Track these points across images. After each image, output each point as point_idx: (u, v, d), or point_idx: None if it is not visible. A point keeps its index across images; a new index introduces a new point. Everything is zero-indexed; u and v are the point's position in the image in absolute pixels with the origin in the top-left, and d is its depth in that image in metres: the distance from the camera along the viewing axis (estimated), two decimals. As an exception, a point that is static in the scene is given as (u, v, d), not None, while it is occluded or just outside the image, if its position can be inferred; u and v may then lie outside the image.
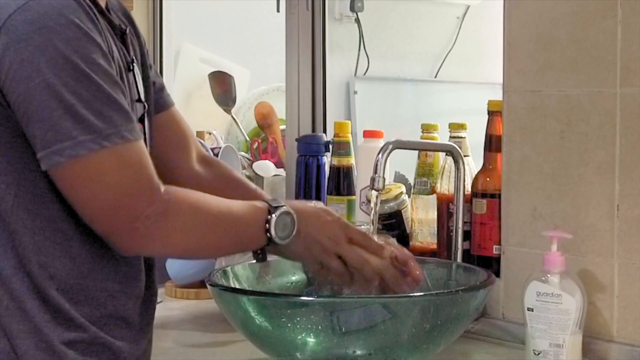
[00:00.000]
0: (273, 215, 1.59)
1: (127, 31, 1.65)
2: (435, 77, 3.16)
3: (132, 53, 1.65)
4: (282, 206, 1.61)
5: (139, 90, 1.64)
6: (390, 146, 1.96)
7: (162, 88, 1.83)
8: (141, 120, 1.64)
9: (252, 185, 1.95)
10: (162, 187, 1.48)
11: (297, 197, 2.56)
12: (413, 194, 2.34)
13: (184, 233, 1.52)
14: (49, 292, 1.47)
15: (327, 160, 2.56)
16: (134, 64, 1.63)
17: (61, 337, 1.48)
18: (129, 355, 1.58)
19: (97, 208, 1.44)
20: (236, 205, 1.60)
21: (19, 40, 1.38)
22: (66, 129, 1.38)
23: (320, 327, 1.67)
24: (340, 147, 2.50)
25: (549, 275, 1.81)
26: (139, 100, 1.63)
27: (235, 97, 3.25)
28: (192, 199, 1.55)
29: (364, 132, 2.54)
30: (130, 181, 1.44)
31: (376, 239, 1.73)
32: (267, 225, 1.59)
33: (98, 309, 1.53)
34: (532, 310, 1.84)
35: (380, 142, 2.43)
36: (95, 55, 1.42)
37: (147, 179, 1.47)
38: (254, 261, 1.68)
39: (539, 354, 1.83)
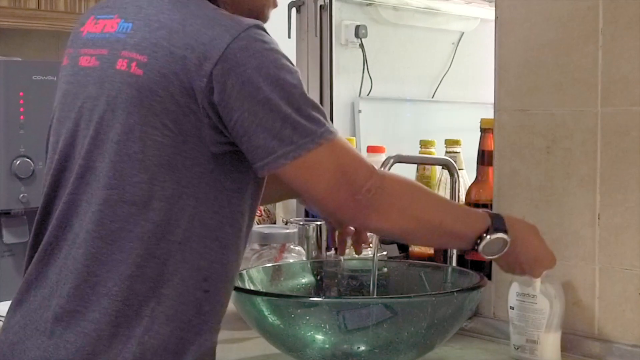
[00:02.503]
0: (488, 236, 1.62)
1: None
2: (433, 97, 3.16)
3: None
4: (501, 231, 1.63)
5: None
6: (392, 160, 1.96)
7: None
8: None
9: None
10: (375, 167, 1.56)
11: (305, 210, 2.56)
12: (412, 204, 2.33)
13: (401, 210, 1.57)
14: (198, 297, 1.50)
15: (334, 173, 2.56)
16: None
17: (192, 346, 1.50)
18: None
19: (322, 190, 1.50)
20: (452, 201, 1.72)
21: (239, 64, 1.44)
22: (288, 136, 1.45)
23: (327, 325, 1.67)
24: (346, 161, 2.50)
25: (532, 278, 1.82)
26: None
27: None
28: (407, 180, 1.64)
29: (368, 147, 2.54)
30: (346, 163, 1.51)
31: None
32: (478, 240, 1.63)
33: (218, 316, 1.56)
34: (513, 309, 1.85)
35: (383, 157, 2.43)
36: (292, 71, 1.50)
37: (360, 160, 1.55)
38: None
39: (517, 348, 1.85)
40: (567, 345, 1.86)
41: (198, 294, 1.50)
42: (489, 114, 2.08)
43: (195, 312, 1.49)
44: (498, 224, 1.64)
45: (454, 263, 2.08)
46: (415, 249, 2.31)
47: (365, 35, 2.88)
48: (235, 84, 1.44)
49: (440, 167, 2.21)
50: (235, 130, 1.46)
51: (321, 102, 2.74)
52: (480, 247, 1.62)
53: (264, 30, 1.50)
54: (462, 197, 2.14)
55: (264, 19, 1.67)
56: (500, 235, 1.63)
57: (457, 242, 1.71)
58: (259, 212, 2.58)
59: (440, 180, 2.23)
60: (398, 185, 1.58)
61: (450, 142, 2.25)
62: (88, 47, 1.56)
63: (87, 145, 1.51)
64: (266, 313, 1.69)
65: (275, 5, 1.72)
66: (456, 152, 2.23)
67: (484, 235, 1.62)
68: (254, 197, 1.57)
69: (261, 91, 1.44)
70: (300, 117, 1.46)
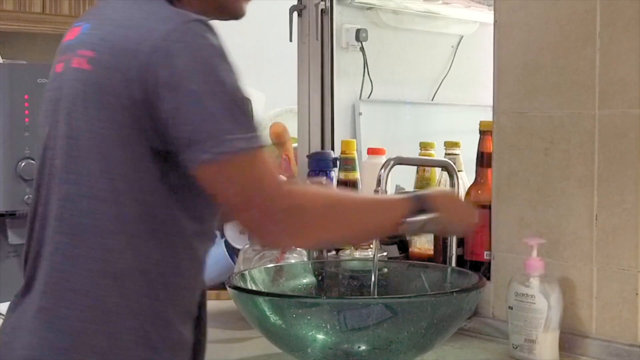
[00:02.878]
0: (410, 219, 1.61)
1: None
2: (432, 100, 3.16)
3: None
4: (422, 210, 1.62)
5: None
6: (392, 162, 1.96)
7: None
8: None
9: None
10: (288, 184, 1.50)
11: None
12: (412, 205, 2.34)
13: (320, 227, 1.52)
14: (159, 289, 1.49)
15: (335, 174, 2.56)
16: None
17: (159, 333, 1.49)
18: (192, 348, 1.59)
19: (236, 202, 1.46)
20: (364, 197, 1.68)
21: (171, 56, 1.42)
22: (209, 132, 1.42)
23: (328, 325, 1.67)
24: (347, 163, 2.50)
25: (531, 278, 1.83)
26: None
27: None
28: (325, 195, 1.58)
29: (368, 149, 2.54)
30: (263, 178, 1.45)
31: None
32: (402, 222, 1.60)
33: (186, 307, 1.55)
34: (512, 309, 1.85)
35: (383, 159, 2.43)
36: (230, 72, 1.47)
37: (278, 178, 1.49)
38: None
39: (516, 347, 1.86)
40: (565, 344, 1.86)
41: (159, 287, 1.49)
42: (488, 117, 2.08)
43: (159, 305, 1.49)
44: (418, 204, 1.62)
45: (454, 264, 2.08)
46: (415, 249, 2.32)
47: (366, 39, 2.88)
48: (166, 76, 1.42)
49: (440, 168, 2.21)
50: (165, 121, 1.44)
51: (322, 105, 2.75)
52: (405, 228, 1.61)
53: (208, 26, 1.47)
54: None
55: (238, 13, 1.66)
56: (421, 215, 1.61)
57: (382, 234, 1.72)
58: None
59: (440, 181, 2.24)
60: (316, 202, 1.52)
61: (449, 144, 2.25)
62: (61, 54, 1.58)
63: (56, 146, 1.52)
64: (268, 313, 1.69)
65: None
66: (455, 154, 2.23)
67: (406, 219, 1.60)
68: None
69: (187, 84, 1.41)
70: (227, 115, 1.43)
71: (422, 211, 1.62)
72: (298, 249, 1.58)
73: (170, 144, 1.44)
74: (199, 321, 1.62)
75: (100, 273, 1.46)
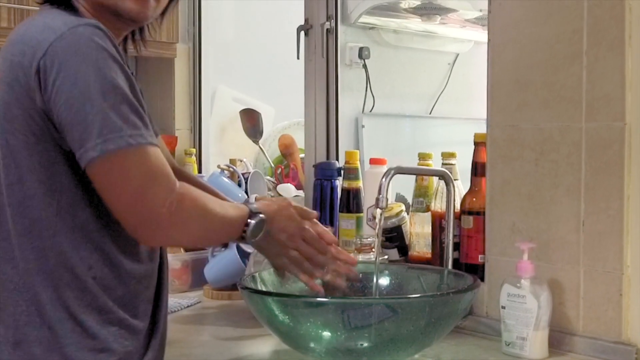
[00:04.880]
0: (251, 221, 1.60)
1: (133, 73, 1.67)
2: (430, 113, 3.16)
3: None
4: (259, 213, 1.62)
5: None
6: (392, 171, 1.96)
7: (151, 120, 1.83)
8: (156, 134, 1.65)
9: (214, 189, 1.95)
10: (178, 183, 1.48)
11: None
12: (411, 211, 2.33)
13: (194, 222, 1.51)
14: (85, 281, 1.49)
15: (339, 183, 2.56)
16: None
17: (96, 319, 1.49)
18: (146, 332, 1.59)
19: (123, 200, 1.44)
20: (226, 204, 1.61)
21: (59, 62, 1.41)
22: (98, 129, 1.40)
23: (333, 324, 1.67)
24: (350, 172, 2.50)
25: (522, 280, 1.83)
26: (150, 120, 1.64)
27: (262, 130, 3.26)
28: (199, 193, 1.54)
29: (370, 159, 2.54)
30: (153, 173, 1.44)
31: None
32: (245, 227, 1.60)
33: (124, 294, 1.54)
34: (504, 308, 1.85)
35: (384, 168, 2.43)
36: (120, 72, 1.44)
37: (166, 173, 1.46)
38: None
39: (508, 344, 1.85)
40: (554, 342, 1.86)
41: (89, 281, 1.50)
42: (482, 129, 2.08)
43: (89, 296, 1.50)
44: (254, 209, 1.62)
45: (450, 266, 2.08)
46: (414, 253, 2.31)
47: (368, 56, 2.88)
48: (55, 79, 1.41)
49: (437, 177, 2.21)
50: (59, 124, 1.43)
51: (327, 118, 2.75)
52: (248, 232, 1.60)
53: (99, 28, 1.45)
54: (457, 205, 2.14)
55: (130, 14, 1.59)
56: (260, 217, 1.61)
57: (228, 238, 1.69)
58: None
59: (437, 190, 2.23)
60: (193, 205, 1.50)
61: (446, 155, 2.25)
62: None
63: None
64: (277, 312, 1.69)
65: None
66: (452, 164, 2.22)
67: (249, 222, 1.60)
68: None
69: (76, 86, 1.40)
70: (114, 113, 1.41)
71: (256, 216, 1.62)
72: (168, 245, 1.58)
73: (70, 145, 1.44)
74: (156, 307, 1.63)
75: (34, 271, 1.48)
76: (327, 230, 1.77)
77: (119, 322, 1.52)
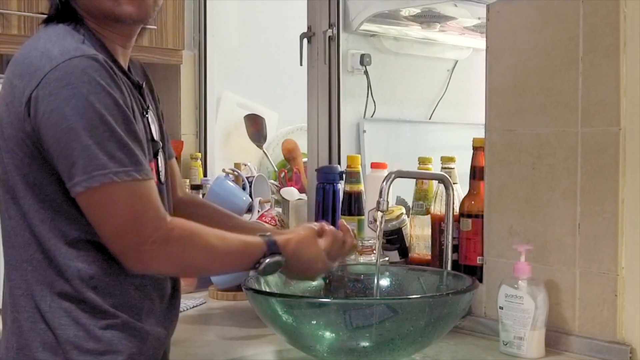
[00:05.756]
0: (266, 260, 1.59)
1: (143, 85, 1.65)
2: (430, 119, 3.16)
3: (147, 102, 1.66)
4: (277, 253, 1.60)
5: (153, 131, 1.63)
6: (393, 175, 1.96)
7: (168, 140, 1.80)
8: (155, 155, 1.63)
9: (236, 216, 1.94)
10: (168, 218, 1.48)
11: (316, 217, 2.56)
12: (411, 214, 2.34)
13: (183, 257, 1.51)
14: (85, 291, 1.49)
15: (341, 186, 2.56)
16: (149, 110, 1.64)
17: (98, 324, 1.49)
18: (154, 336, 1.58)
19: (109, 232, 1.45)
20: (230, 238, 1.58)
21: (51, 94, 1.41)
22: (83, 166, 1.40)
23: (335, 323, 1.67)
24: (352, 176, 2.50)
25: (519, 281, 1.83)
26: (153, 139, 1.62)
27: (266, 135, 3.26)
28: (196, 228, 1.53)
29: (371, 163, 2.54)
30: (138, 211, 1.44)
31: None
32: (257, 265, 1.59)
33: (127, 299, 1.54)
34: (502, 309, 1.85)
35: (385, 172, 2.43)
36: (112, 107, 1.43)
37: (153, 210, 1.46)
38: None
39: (506, 344, 1.85)
40: (551, 341, 1.86)
41: (90, 291, 1.49)
42: (480, 134, 2.08)
43: (94, 305, 1.50)
44: (273, 248, 1.60)
45: (449, 268, 2.09)
46: (414, 255, 2.31)
47: (370, 63, 2.88)
48: (45, 112, 1.41)
49: (437, 181, 2.21)
50: (48, 154, 1.44)
51: (330, 123, 2.75)
52: (260, 270, 1.59)
53: (95, 60, 1.44)
54: (456, 209, 2.14)
55: (115, 14, 1.56)
56: (277, 258, 1.60)
57: (237, 270, 1.68)
58: (272, 221, 2.58)
59: (437, 193, 2.23)
60: (182, 239, 1.49)
61: (445, 159, 2.25)
62: None
63: None
64: (280, 312, 1.69)
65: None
66: (451, 168, 2.23)
67: (262, 260, 1.58)
68: None
69: (65, 120, 1.40)
70: (100, 150, 1.40)
71: (274, 254, 1.60)
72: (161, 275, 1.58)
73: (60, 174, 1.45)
74: (167, 309, 1.64)
75: (33, 281, 1.50)
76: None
77: (123, 325, 1.52)
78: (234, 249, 1.58)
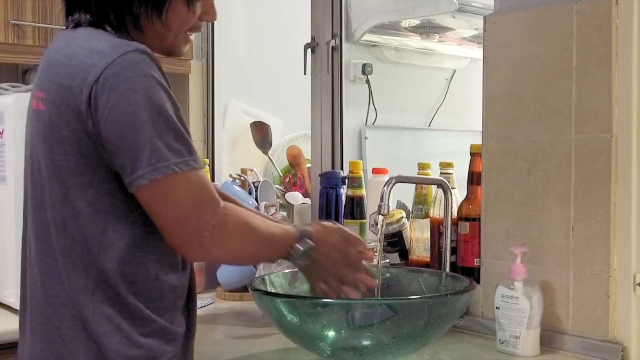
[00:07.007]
0: (299, 246, 1.61)
1: None
2: (429, 126, 3.16)
3: None
4: (309, 238, 1.62)
5: None
6: (394, 180, 1.96)
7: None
8: None
9: (258, 212, 1.94)
10: (222, 203, 1.49)
11: (320, 220, 2.56)
12: (411, 218, 2.34)
13: (237, 241, 1.52)
14: (127, 296, 1.48)
15: (343, 191, 2.56)
16: None
17: (139, 331, 1.49)
18: (183, 337, 1.59)
19: (171, 221, 1.44)
20: (274, 225, 1.61)
21: (110, 89, 1.40)
22: (147, 158, 1.40)
23: (337, 323, 1.67)
24: (354, 181, 2.50)
25: (515, 282, 1.83)
26: None
27: (271, 141, 3.26)
28: (245, 213, 1.55)
29: (373, 169, 2.55)
30: (197, 197, 1.44)
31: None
32: (291, 250, 1.61)
33: (164, 303, 1.54)
34: (499, 309, 1.85)
35: (386, 177, 2.44)
36: (166, 99, 1.43)
37: (210, 196, 1.46)
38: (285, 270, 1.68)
39: (502, 343, 1.85)
40: (545, 340, 1.86)
41: (131, 297, 1.49)
42: (478, 140, 2.08)
43: (135, 311, 1.49)
44: (305, 233, 1.63)
45: (448, 269, 2.09)
46: (414, 257, 2.32)
47: (371, 72, 2.89)
48: (105, 108, 1.40)
49: (436, 186, 2.21)
50: (108, 149, 1.43)
51: (332, 130, 2.75)
52: (294, 256, 1.61)
53: (147, 54, 1.44)
54: (455, 212, 2.14)
55: (177, 54, 1.62)
56: (309, 245, 1.62)
57: (275, 255, 1.66)
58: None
59: (436, 197, 2.24)
60: (236, 225, 1.51)
61: (444, 165, 2.25)
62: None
63: (27, 179, 1.56)
64: (285, 312, 1.70)
65: (187, 42, 1.63)
66: (449, 173, 2.23)
67: (295, 245, 1.61)
68: None
69: (127, 114, 1.39)
70: (161, 142, 1.40)
71: (305, 242, 1.62)
72: (216, 261, 1.58)
73: (118, 168, 1.45)
74: (188, 312, 1.63)
75: (77, 288, 1.47)
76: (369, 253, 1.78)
77: (161, 330, 1.52)
78: (276, 233, 1.60)
